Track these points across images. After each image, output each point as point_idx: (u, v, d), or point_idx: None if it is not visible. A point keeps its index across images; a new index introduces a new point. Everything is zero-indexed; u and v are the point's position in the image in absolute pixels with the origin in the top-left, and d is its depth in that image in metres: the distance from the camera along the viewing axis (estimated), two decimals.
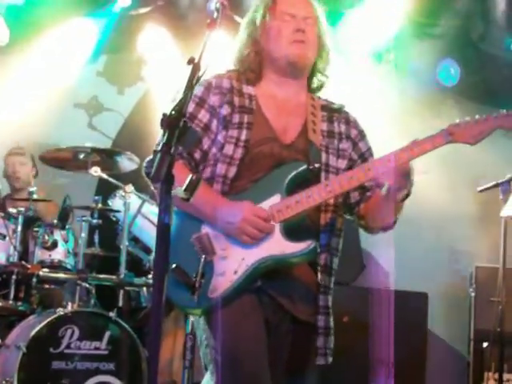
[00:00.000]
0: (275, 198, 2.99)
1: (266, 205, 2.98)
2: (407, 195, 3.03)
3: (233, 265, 2.93)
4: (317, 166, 3.09)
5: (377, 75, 7.57)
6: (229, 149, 3.06)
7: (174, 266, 2.86)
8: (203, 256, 2.90)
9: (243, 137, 3.07)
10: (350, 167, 3.20)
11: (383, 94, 7.50)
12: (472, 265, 6.96)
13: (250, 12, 3.28)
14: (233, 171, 3.05)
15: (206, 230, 3.00)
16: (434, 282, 7.21)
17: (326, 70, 3.28)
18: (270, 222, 2.94)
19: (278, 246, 2.94)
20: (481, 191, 5.99)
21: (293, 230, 2.97)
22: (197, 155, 3.12)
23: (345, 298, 5.78)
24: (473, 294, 6.84)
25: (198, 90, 3.14)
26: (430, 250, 7.54)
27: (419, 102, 7.72)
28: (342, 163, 3.19)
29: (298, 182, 3.03)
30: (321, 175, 3.10)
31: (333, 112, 3.28)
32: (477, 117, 2.99)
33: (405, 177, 2.95)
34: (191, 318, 5.25)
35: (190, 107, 3.09)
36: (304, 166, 3.05)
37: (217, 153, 3.08)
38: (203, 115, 3.13)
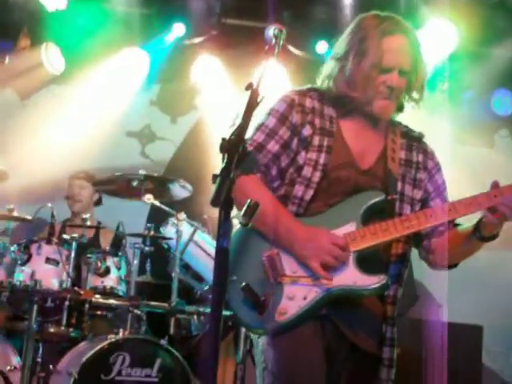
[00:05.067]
0: (350, 226, 2.93)
1: (340, 232, 2.92)
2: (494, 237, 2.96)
3: (303, 290, 2.87)
4: (395, 197, 3.03)
5: (430, 104, 7.50)
6: (308, 171, 2.99)
7: (244, 284, 2.83)
8: (273, 277, 2.87)
9: (322, 160, 3.00)
10: (425, 198, 3.14)
11: (436, 124, 7.43)
12: None
13: (350, 34, 3.07)
14: (310, 194, 2.99)
15: (277, 249, 2.93)
16: (489, 315, 7.06)
17: (417, 97, 3.20)
18: (346, 251, 2.87)
19: (350, 276, 2.86)
20: None
21: (364, 260, 2.90)
22: (273, 171, 3.06)
23: (397, 330, 5.69)
24: None
25: (280, 106, 3.07)
26: (486, 282, 7.39)
27: (473, 131, 7.64)
28: (418, 194, 3.12)
29: (373, 211, 2.97)
30: (395, 204, 3.04)
31: (412, 140, 3.22)
32: None
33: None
34: (241, 348, 5.27)
35: (271, 122, 3.04)
36: (382, 197, 3.00)
37: (293, 173, 3.02)
38: (284, 132, 3.04)
